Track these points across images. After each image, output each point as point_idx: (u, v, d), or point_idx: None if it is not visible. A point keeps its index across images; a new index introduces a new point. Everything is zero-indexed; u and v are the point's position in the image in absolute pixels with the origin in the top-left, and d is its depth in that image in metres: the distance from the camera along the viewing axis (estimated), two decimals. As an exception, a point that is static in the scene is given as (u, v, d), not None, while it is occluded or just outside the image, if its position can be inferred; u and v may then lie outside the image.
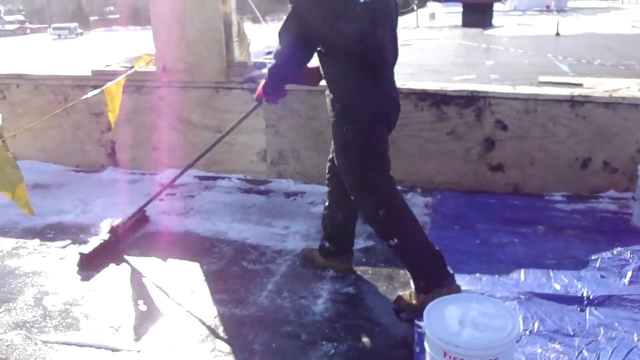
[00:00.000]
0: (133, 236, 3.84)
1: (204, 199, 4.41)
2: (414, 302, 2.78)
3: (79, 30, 43.18)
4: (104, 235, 3.68)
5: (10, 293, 3.25)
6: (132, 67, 4.65)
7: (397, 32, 2.84)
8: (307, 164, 4.56)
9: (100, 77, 4.74)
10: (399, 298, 2.86)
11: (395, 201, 2.82)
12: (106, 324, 2.87)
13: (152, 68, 4.75)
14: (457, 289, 2.75)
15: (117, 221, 3.75)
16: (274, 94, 2.96)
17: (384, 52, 2.70)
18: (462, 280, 3.01)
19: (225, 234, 3.79)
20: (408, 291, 2.86)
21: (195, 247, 3.67)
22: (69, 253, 3.66)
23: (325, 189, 3.21)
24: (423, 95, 4.19)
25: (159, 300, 3.08)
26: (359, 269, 3.28)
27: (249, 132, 4.59)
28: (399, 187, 4.27)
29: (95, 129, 5.09)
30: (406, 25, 22.74)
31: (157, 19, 4.53)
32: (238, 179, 4.72)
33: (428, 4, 35.46)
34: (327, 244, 3.25)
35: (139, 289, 3.21)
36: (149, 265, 3.45)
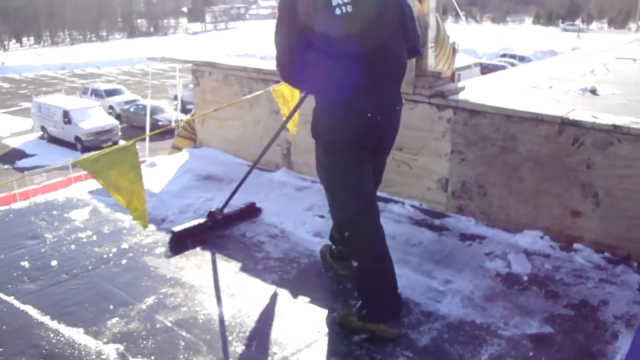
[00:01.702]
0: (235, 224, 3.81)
1: (367, 224, 3.86)
2: (353, 319, 2.69)
3: None
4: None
5: (133, 297, 3.05)
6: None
7: (400, 44, 2.65)
8: (494, 203, 3.76)
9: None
10: (344, 307, 2.81)
11: (363, 228, 2.68)
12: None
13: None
14: (396, 334, 2.63)
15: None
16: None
17: (361, 68, 2.48)
18: None
19: (374, 275, 3.20)
20: (354, 306, 2.73)
21: (331, 284, 3.16)
22: (207, 261, 3.39)
23: None
24: (660, 141, 3.16)
25: (265, 348, 2.62)
26: (523, 366, 2.48)
27: (431, 155, 3.93)
28: (606, 254, 3.36)
29: (274, 126, 4.79)
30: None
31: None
32: (412, 206, 4.07)
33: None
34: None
35: (257, 327, 2.79)
36: (279, 297, 3.02)
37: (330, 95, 2.57)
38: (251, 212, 4.01)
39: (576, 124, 3.35)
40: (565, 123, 3.38)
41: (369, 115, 2.54)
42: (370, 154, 2.67)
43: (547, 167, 3.47)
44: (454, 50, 4.83)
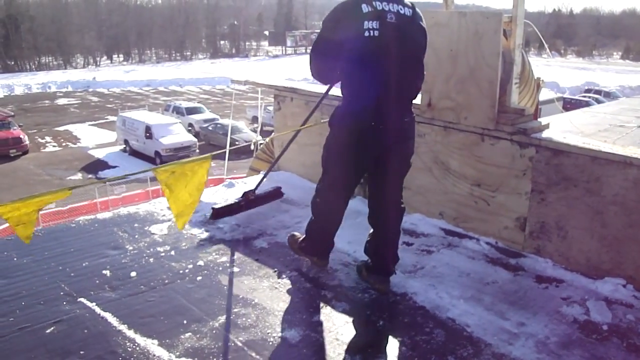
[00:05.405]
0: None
1: (441, 259, 3.80)
2: (295, 246, 3.71)
3: None
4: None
5: (207, 314, 3.12)
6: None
7: (415, 71, 3.20)
8: (574, 247, 3.64)
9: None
10: (293, 235, 3.79)
11: (327, 201, 3.44)
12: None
13: (416, 100, 4.31)
14: (324, 265, 3.63)
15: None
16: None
17: (378, 81, 3.06)
18: None
19: (445, 312, 3.15)
20: (302, 235, 3.67)
21: (402, 317, 3.13)
22: (279, 284, 3.44)
23: None
24: None
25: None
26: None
27: (510, 193, 3.85)
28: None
29: (351, 154, 4.86)
30: None
31: (429, 49, 4.06)
32: (487, 243, 3.99)
33: None
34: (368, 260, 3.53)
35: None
36: (349, 325, 3.02)
37: (351, 98, 3.16)
38: (276, 194, 4.87)
39: (668, 169, 3.21)
40: (655, 168, 3.25)
41: (373, 123, 3.09)
42: (369, 158, 3.24)
43: (634, 212, 3.33)
44: (539, 87, 4.73)
